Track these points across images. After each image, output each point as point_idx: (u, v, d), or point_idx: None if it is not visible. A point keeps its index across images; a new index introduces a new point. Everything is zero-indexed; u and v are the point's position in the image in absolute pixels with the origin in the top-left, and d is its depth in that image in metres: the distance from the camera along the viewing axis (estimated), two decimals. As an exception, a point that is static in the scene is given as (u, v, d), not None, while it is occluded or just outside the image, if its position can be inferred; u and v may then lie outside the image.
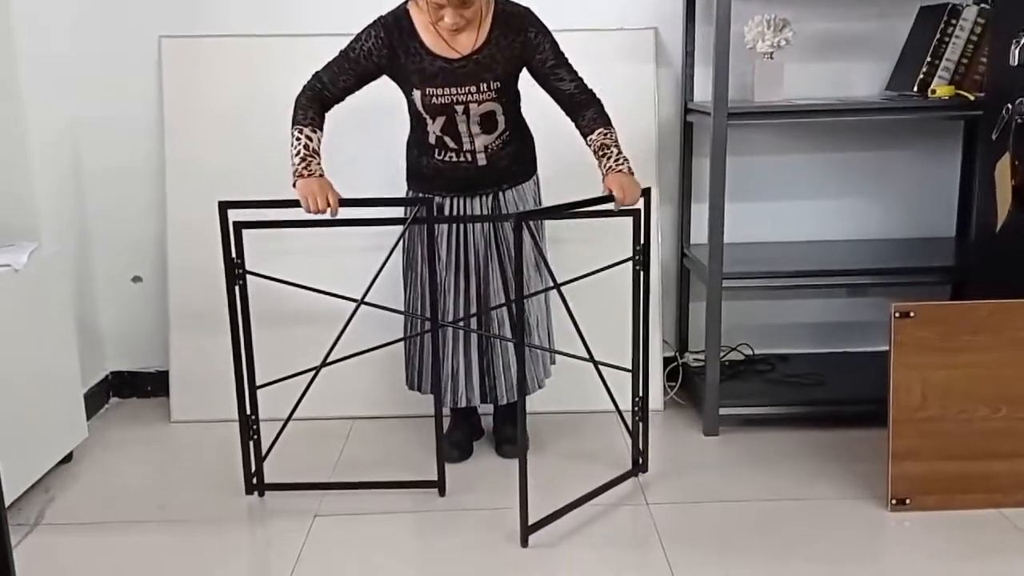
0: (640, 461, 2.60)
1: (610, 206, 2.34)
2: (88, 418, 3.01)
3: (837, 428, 2.82)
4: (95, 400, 3.13)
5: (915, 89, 2.88)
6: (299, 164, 2.34)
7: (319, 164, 2.36)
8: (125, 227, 3.15)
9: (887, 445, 2.34)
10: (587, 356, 2.47)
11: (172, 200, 3.06)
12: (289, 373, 2.53)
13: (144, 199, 3.13)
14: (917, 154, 3.19)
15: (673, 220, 3.21)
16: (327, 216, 2.30)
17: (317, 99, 2.43)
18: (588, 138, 2.45)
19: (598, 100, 2.49)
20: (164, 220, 3.08)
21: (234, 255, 2.39)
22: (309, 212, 2.29)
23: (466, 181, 2.55)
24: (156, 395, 3.25)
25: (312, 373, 2.50)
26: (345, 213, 2.35)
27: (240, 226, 2.42)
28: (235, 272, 2.41)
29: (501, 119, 2.50)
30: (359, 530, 2.35)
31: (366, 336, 2.65)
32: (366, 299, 2.45)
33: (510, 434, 2.76)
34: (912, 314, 2.29)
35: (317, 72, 2.45)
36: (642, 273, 2.49)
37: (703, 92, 3.06)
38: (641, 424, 2.58)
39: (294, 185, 2.34)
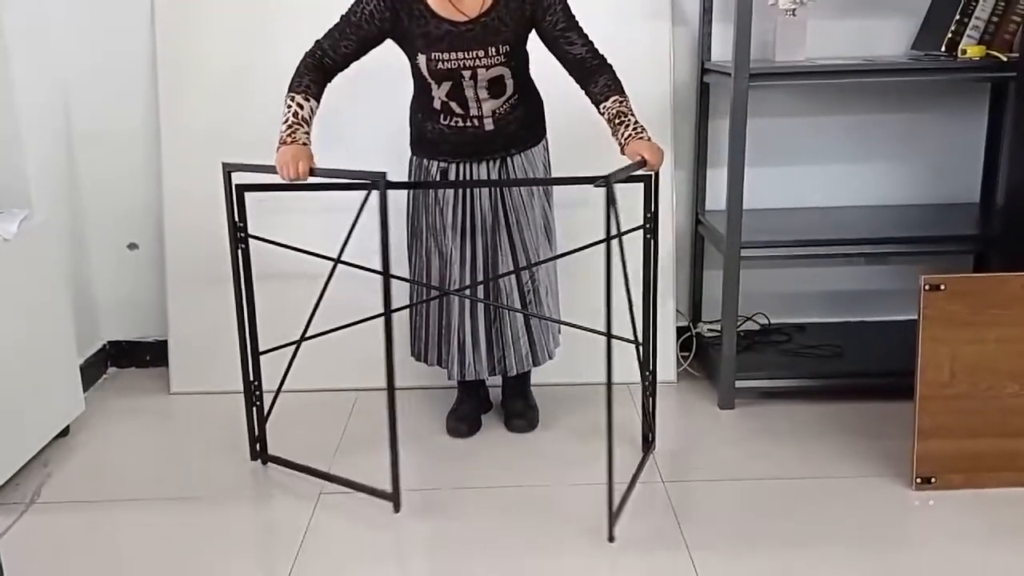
0: (651, 437, 2.52)
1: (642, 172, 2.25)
2: (85, 390, 2.94)
3: (857, 401, 2.74)
4: (92, 371, 3.04)
5: (943, 49, 2.75)
6: (284, 131, 2.26)
7: (305, 133, 2.27)
8: (119, 192, 3.04)
9: (913, 422, 2.26)
10: (595, 329, 2.37)
11: (168, 163, 2.94)
12: (292, 340, 2.45)
13: (139, 163, 3.01)
14: (943, 116, 3.06)
15: (688, 185, 3.09)
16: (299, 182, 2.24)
17: (317, 67, 2.32)
18: (601, 105, 2.32)
19: (610, 66, 2.36)
20: (160, 184, 2.96)
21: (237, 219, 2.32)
22: (282, 179, 2.23)
23: (473, 147, 2.44)
24: (155, 365, 3.16)
25: (303, 340, 2.42)
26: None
27: (243, 189, 2.34)
28: (238, 236, 2.35)
29: (510, 83, 2.38)
30: (363, 511, 2.27)
31: (371, 303, 2.57)
32: (374, 268, 2.36)
33: (520, 408, 2.68)
34: (942, 287, 2.20)
35: (318, 39, 2.34)
36: (652, 242, 2.38)
37: (721, 51, 2.93)
38: (651, 400, 2.49)
39: (278, 151, 2.25)
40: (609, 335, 2.05)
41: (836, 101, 3.04)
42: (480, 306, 2.52)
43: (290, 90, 2.30)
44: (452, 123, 2.42)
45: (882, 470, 2.38)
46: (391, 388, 2.20)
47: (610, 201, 2.00)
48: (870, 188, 3.12)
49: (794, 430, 2.62)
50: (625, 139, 2.25)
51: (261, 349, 2.47)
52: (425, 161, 2.49)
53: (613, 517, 2.11)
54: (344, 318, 2.52)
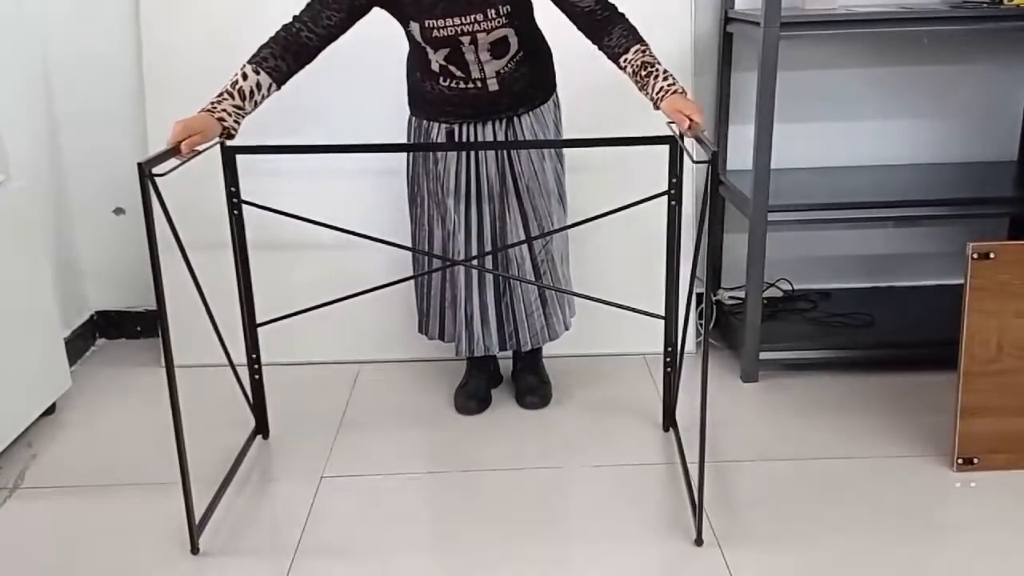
0: (673, 417, 2.37)
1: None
2: (73, 363, 2.80)
3: (889, 373, 2.59)
4: (80, 343, 2.89)
5: (986, -5, 2.56)
6: (210, 101, 1.95)
7: (233, 106, 1.94)
8: (103, 154, 2.85)
9: (955, 398, 2.11)
10: (613, 301, 2.22)
11: (153, 122, 2.74)
12: (288, 310, 2.31)
13: (123, 122, 2.82)
14: (982, 69, 2.86)
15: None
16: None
17: (289, 43, 2.02)
18: (621, 59, 2.08)
19: (622, 15, 2.13)
20: (145, 145, 2.77)
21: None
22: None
23: (476, 108, 2.25)
24: (146, 336, 3.01)
25: (303, 312, 2.28)
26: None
27: (233, 151, 2.17)
28: (231, 202, 2.20)
29: (514, 41, 2.18)
30: (368, 490, 2.14)
31: (372, 271, 2.42)
32: (371, 235, 2.20)
33: (532, 383, 2.53)
34: (992, 255, 2.03)
35: (295, 14, 2.05)
36: (677, 209, 2.21)
37: (745, 0, 2.73)
38: (674, 377, 2.34)
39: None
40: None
41: (868, 52, 2.84)
42: (488, 278, 2.36)
43: (249, 60, 2.00)
44: (453, 84, 2.22)
45: (919, 449, 2.24)
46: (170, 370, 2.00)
47: (714, 178, 1.77)
48: (901, 146, 2.93)
49: (823, 405, 2.47)
50: (658, 93, 1.98)
51: (257, 320, 2.32)
52: (425, 123, 2.30)
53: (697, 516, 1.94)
54: (342, 287, 2.36)
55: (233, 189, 2.19)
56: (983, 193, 2.66)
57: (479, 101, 2.24)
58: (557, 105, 2.39)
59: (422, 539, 1.98)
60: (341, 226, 2.26)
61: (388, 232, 2.57)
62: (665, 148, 2.16)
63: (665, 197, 2.20)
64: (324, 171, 2.71)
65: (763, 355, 2.62)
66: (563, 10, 2.15)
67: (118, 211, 2.92)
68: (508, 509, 2.06)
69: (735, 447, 2.29)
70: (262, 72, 1.99)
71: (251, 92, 1.97)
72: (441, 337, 2.45)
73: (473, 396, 2.51)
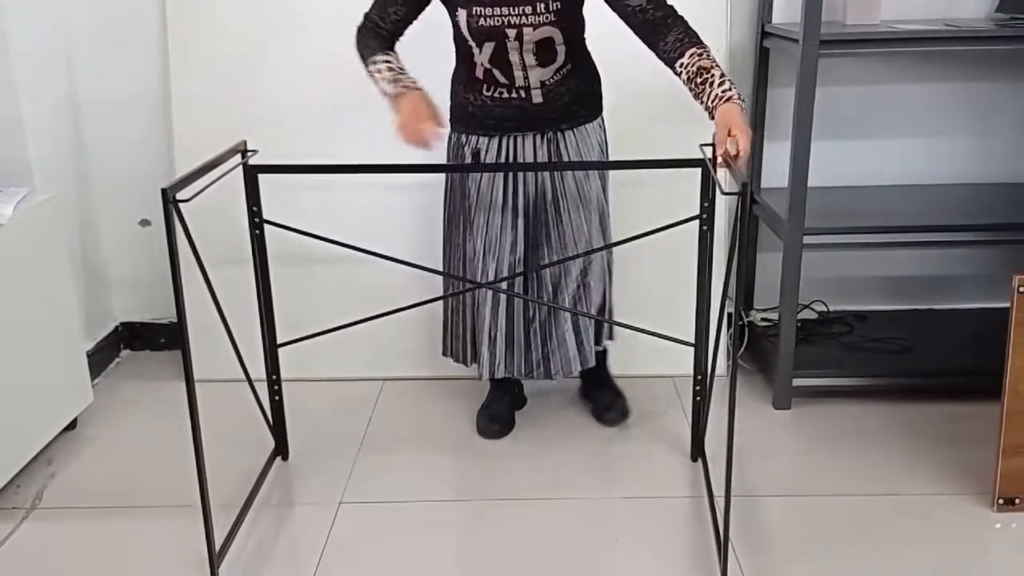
0: (701, 446, 2.30)
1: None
2: (98, 374, 2.79)
3: (928, 402, 2.51)
4: (105, 354, 2.88)
5: (1035, 11, 2.46)
6: (390, 89, 2.07)
7: (409, 78, 2.08)
8: (129, 165, 2.83)
9: (997, 436, 2.03)
10: (639, 327, 2.16)
11: (180, 133, 2.72)
12: (311, 324, 2.30)
13: (149, 133, 2.80)
14: (1028, 86, 2.77)
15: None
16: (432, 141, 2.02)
17: (374, 36, 2.14)
18: (677, 63, 1.93)
19: (681, 17, 2.00)
20: (172, 156, 2.74)
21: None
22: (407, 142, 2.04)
23: (519, 121, 2.19)
24: (170, 347, 2.99)
25: (323, 333, 2.26)
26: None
27: (255, 170, 2.14)
28: (254, 222, 2.17)
29: (560, 49, 2.12)
30: (386, 519, 2.09)
31: (397, 289, 2.39)
32: (397, 248, 2.17)
33: (608, 399, 2.49)
34: (1039, 289, 1.94)
35: (365, 12, 2.15)
36: (709, 234, 2.14)
37: (784, 13, 2.65)
38: (703, 407, 2.27)
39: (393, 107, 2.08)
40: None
41: (908, 67, 2.75)
42: (518, 300, 2.31)
43: (365, 60, 2.12)
44: (496, 94, 2.17)
45: (958, 487, 2.16)
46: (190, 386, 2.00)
47: (745, 210, 1.69)
48: (943, 165, 2.84)
49: (858, 436, 2.39)
50: (713, 102, 1.86)
51: (279, 337, 2.29)
52: (463, 137, 2.25)
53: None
54: (366, 300, 2.33)
55: (255, 208, 2.16)
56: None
57: (522, 113, 2.18)
58: (603, 127, 2.31)
59: (439, 572, 1.94)
60: (367, 238, 2.23)
61: (414, 246, 2.54)
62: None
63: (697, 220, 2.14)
64: (351, 184, 2.67)
65: (796, 382, 2.54)
66: (617, 12, 2.05)
67: (144, 223, 2.91)
68: (528, 541, 2.01)
69: (765, 480, 2.22)
70: (388, 52, 2.12)
71: (400, 64, 2.11)
72: (464, 361, 2.41)
73: (495, 419, 2.46)
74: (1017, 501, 2.05)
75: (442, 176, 2.39)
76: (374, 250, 2.20)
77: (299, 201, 2.61)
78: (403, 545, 2.01)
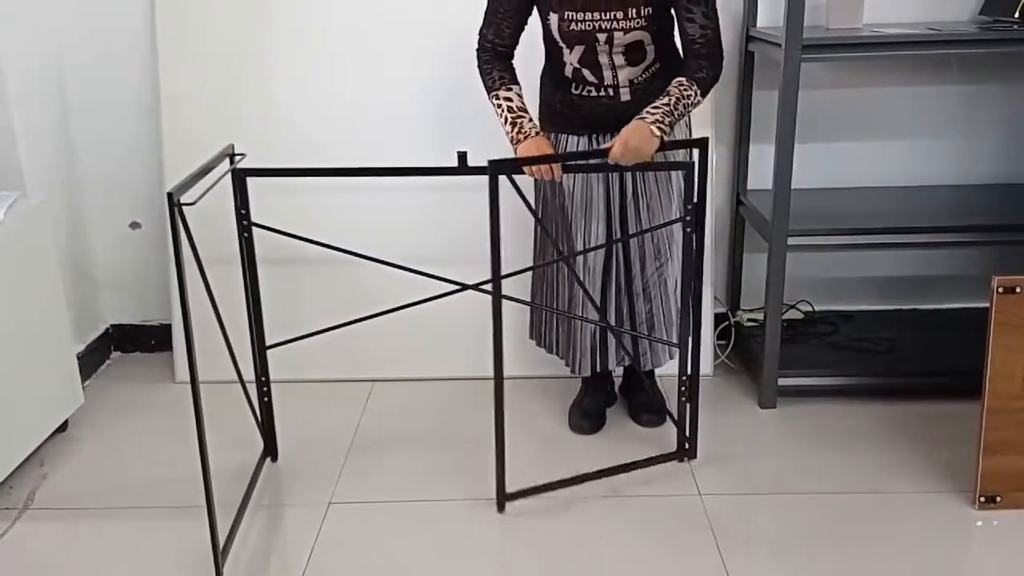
0: (687, 446, 2.32)
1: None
2: (89, 376, 2.81)
3: (912, 402, 2.54)
4: (95, 356, 2.89)
5: (1016, 15, 2.49)
6: (511, 131, 2.17)
7: (530, 121, 2.17)
8: (119, 168, 2.85)
9: (978, 434, 2.06)
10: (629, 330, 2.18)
11: (169, 136, 2.73)
12: (301, 325, 2.34)
13: (138, 136, 2.81)
14: (1009, 88, 2.79)
15: (728, 163, 2.86)
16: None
17: (495, 57, 2.21)
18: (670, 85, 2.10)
19: (715, 56, 2.11)
20: (160, 159, 2.76)
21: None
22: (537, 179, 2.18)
23: (606, 119, 2.21)
24: (160, 349, 3.01)
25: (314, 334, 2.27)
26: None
27: (243, 174, 2.16)
28: (242, 224, 2.18)
29: (650, 49, 2.15)
30: (374, 520, 2.11)
31: (386, 291, 2.41)
32: (389, 260, 2.18)
33: (645, 400, 2.50)
34: (1018, 289, 1.97)
35: (480, 30, 2.22)
36: (695, 235, 2.17)
37: (768, 17, 2.68)
38: (689, 406, 2.29)
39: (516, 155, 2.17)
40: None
41: (892, 71, 2.78)
42: (610, 296, 2.35)
43: (489, 91, 2.21)
44: (584, 92, 2.22)
45: (940, 485, 2.19)
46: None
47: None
48: (926, 167, 2.87)
49: (843, 435, 2.42)
50: (641, 116, 2.05)
51: (267, 338, 2.30)
52: (553, 136, 2.28)
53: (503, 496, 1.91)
54: (352, 306, 2.35)
55: (243, 211, 2.18)
56: (1011, 219, 2.59)
57: (610, 112, 2.21)
58: (688, 125, 2.34)
59: (427, 573, 1.96)
60: (356, 240, 2.27)
61: (403, 248, 2.56)
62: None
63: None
64: (341, 186, 2.68)
65: (782, 381, 2.57)
66: (678, 26, 2.15)
67: (134, 225, 2.92)
68: (516, 541, 2.03)
69: (751, 479, 2.25)
70: (511, 87, 2.20)
71: (522, 103, 2.19)
72: (557, 353, 2.46)
73: (587, 415, 2.49)
74: (998, 499, 2.08)
75: (435, 179, 2.41)
76: (363, 252, 2.23)
77: (288, 203, 2.63)
78: (392, 546, 2.03)
